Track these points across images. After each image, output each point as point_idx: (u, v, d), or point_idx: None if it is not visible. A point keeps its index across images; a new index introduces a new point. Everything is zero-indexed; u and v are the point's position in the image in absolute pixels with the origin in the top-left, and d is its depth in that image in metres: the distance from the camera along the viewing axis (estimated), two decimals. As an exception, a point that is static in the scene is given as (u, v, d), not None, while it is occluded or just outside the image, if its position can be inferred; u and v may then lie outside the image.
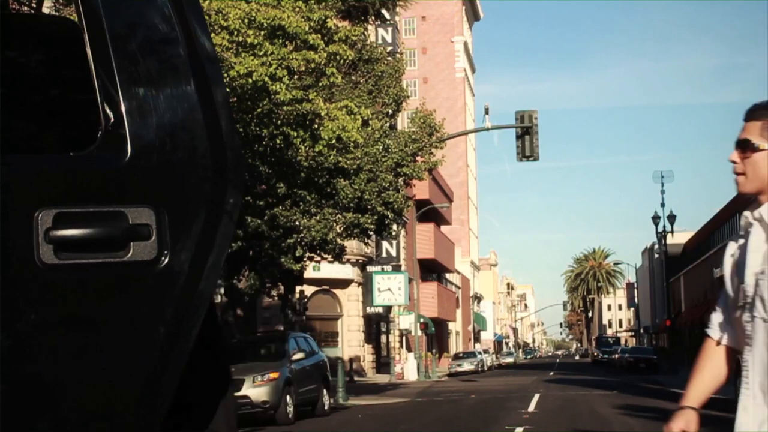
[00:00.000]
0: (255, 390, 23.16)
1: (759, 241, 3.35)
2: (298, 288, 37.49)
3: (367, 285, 57.08)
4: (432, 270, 77.97)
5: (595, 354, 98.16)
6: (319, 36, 22.69)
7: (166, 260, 2.68)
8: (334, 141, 24.13)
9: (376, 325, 62.77)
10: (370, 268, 57.89)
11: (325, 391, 26.88)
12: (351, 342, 56.78)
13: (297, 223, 28.70)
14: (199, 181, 2.75)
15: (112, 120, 2.67)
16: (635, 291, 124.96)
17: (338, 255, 33.07)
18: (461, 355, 76.84)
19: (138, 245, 2.66)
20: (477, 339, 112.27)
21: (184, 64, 2.80)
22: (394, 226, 39.30)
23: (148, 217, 2.66)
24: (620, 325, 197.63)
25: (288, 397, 23.85)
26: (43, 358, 2.59)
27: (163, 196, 2.68)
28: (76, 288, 2.62)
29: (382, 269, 58.45)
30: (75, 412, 2.66)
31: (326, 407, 26.85)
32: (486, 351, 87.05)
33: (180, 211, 2.71)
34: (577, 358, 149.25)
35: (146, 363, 2.71)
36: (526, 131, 36.19)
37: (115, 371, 2.68)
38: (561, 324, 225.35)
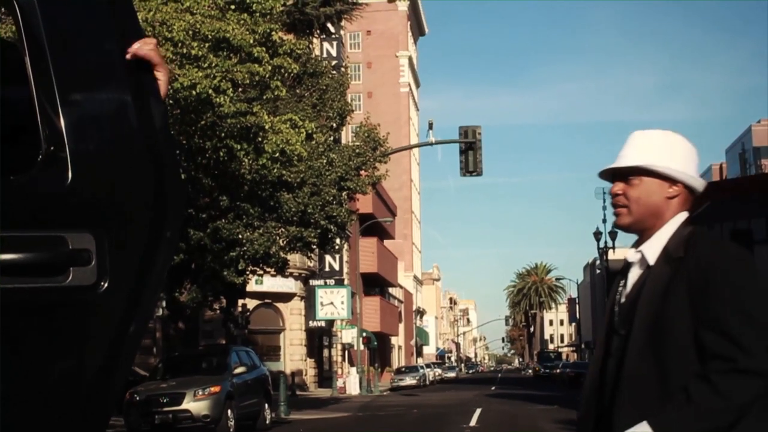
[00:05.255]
0: (196, 404, 23.04)
1: None
2: (240, 301, 37.36)
3: (309, 299, 56.98)
4: (375, 284, 77.99)
5: (537, 369, 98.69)
6: (264, 49, 22.67)
7: (106, 285, 2.67)
8: (277, 154, 24.12)
9: (318, 339, 62.65)
10: (312, 282, 57.82)
11: (266, 405, 26.78)
12: (293, 356, 56.62)
13: (240, 236, 28.59)
14: (139, 206, 2.74)
15: (53, 144, 2.66)
16: (577, 306, 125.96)
17: (281, 268, 32.98)
18: (403, 369, 76.86)
19: (78, 270, 2.64)
20: (419, 353, 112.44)
21: (125, 87, 2.79)
22: (338, 240, 39.37)
23: (88, 242, 2.65)
24: (562, 340, 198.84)
25: (229, 411, 23.73)
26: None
27: (103, 221, 2.67)
28: (15, 313, 2.60)
29: (325, 283, 58.39)
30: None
31: (267, 421, 26.76)
32: (428, 365, 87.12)
33: (120, 236, 2.70)
34: (524, 372, 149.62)
35: (85, 387, 2.69)
36: (469, 146, 36.29)
37: (53, 395, 2.66)
38: (503, 339, 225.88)
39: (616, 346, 3.30)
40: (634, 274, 3.37)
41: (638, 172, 3.34)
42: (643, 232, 3.37)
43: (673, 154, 3.35)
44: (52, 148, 2.65)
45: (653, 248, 3.30)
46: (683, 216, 3.35)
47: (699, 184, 3.38)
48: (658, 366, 3.15)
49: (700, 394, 3.02)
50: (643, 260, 3.33)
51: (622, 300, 3.37)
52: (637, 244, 3.40)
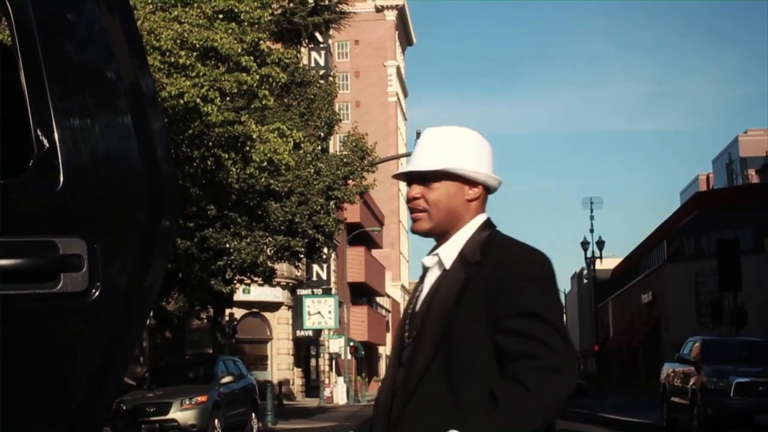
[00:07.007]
0: (183, 413, 22.97)
1: None
2: (227, 310, 37.26)
3: (297, 308, 56.90)
4: (362, 294, 77.92)
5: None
6: (252, 58, 22.63)
7: (98, 292, 2.63)
8: (265, 163, 24.07)
9: (305, 349, 62.57)
10: (300, 291, 57.71)
11: (253, 415, 26.71)
12: (280, 365, 56.52)
13: (227, 245, 28.53)
14: (132, 211, 2.70)
15: (45, 148, 2.63)
16: (564, 316, 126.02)
17: (268, 278, 32.91)
18: (391, 378, 76.68)
19: (69, 276, 2.61)
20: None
21: (120, 92, 2.76)
22: (325, 250, 39.29)
23: (79, 247, 2.61)
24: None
25: (216, 421, 23.66)
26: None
27: (95, 226, 2.64)
28: (5, 319, 2.56)
29: (312, 292, 58.28)
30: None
31: (254, 431, 26.68)
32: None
33: (112, 242, 2.66)
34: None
35: (77, 395, 2.66)
36: (457, 156, 36.32)
37: (45, 403, 2.64)
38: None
39: (408, 355, 3.11)
40: (430, 279, 3.20)
41: (438, 175, 3.16)
42: (442, 236, 3.20)
43: (471, 153, 3.19)
44: (44, 152, 2.62)
45: (450, 251, 3.15)
46: (482, 218, 3.22)
47: (497, 183, 3.25)
48: (448, 374, 3.00)
49: (509, 394, 2.89)
50: (440, 263, 3.17)
51: (418, 306, 3.18)
52: (434, 250, 3.24)
